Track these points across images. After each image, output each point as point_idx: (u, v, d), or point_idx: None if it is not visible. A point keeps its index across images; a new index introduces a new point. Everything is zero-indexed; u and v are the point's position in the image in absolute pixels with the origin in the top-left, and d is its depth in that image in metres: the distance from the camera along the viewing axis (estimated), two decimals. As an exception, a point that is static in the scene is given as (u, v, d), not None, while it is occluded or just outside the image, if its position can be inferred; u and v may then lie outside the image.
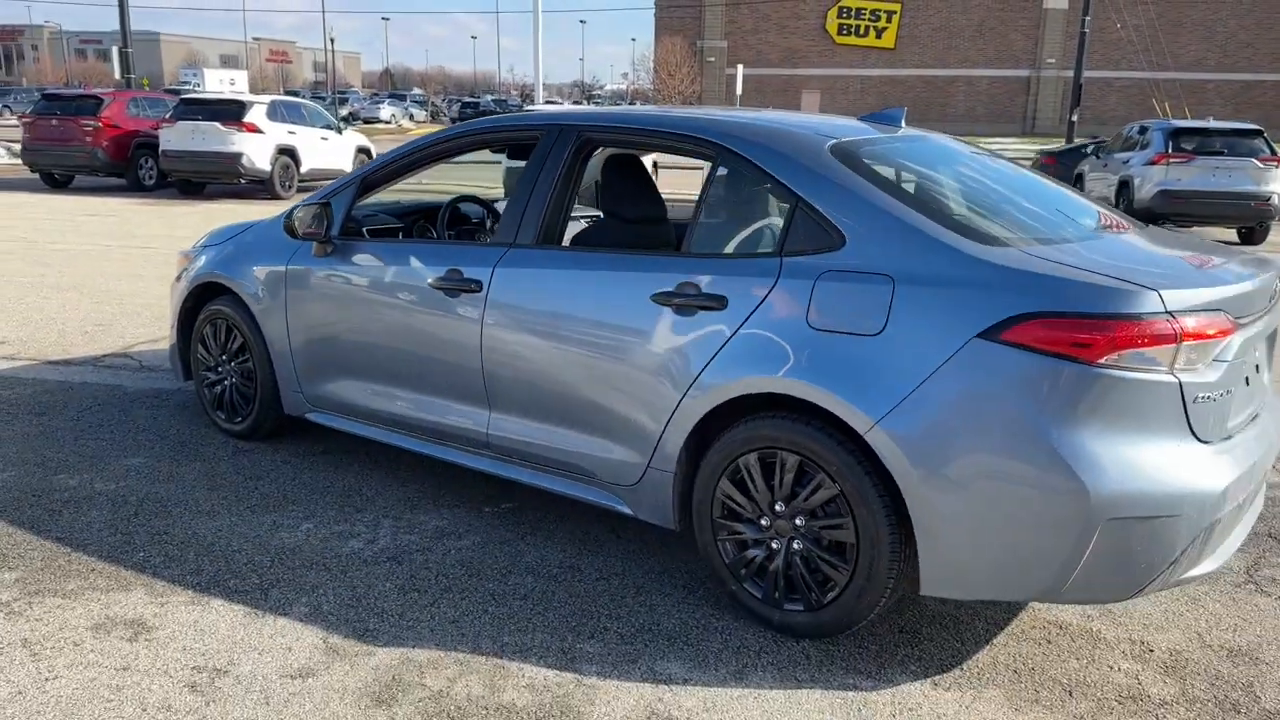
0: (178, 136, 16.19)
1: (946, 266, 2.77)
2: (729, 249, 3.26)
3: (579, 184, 3.68)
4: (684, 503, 3.25)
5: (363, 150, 19.10)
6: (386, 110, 57.88)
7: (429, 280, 3.74)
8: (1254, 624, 3.22)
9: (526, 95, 79.96)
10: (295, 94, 67.83)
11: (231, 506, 3.90)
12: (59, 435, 4.67)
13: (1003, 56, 54.31)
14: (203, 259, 4.74)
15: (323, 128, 18.11)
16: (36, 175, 17.81)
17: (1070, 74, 33.43)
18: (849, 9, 54.55)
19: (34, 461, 4.32)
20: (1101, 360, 2.57)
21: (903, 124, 3.67)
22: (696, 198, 3.37)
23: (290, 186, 16.94)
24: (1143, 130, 15.14)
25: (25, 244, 10.82)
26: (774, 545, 3.01)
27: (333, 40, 63.25)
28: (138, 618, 3.04)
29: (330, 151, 17.95)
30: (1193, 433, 2.68)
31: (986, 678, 2.85)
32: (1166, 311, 2.59)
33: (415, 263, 3.84)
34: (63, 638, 2.92)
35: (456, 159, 4.26)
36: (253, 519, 3.79)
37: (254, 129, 16.24)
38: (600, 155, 4.28)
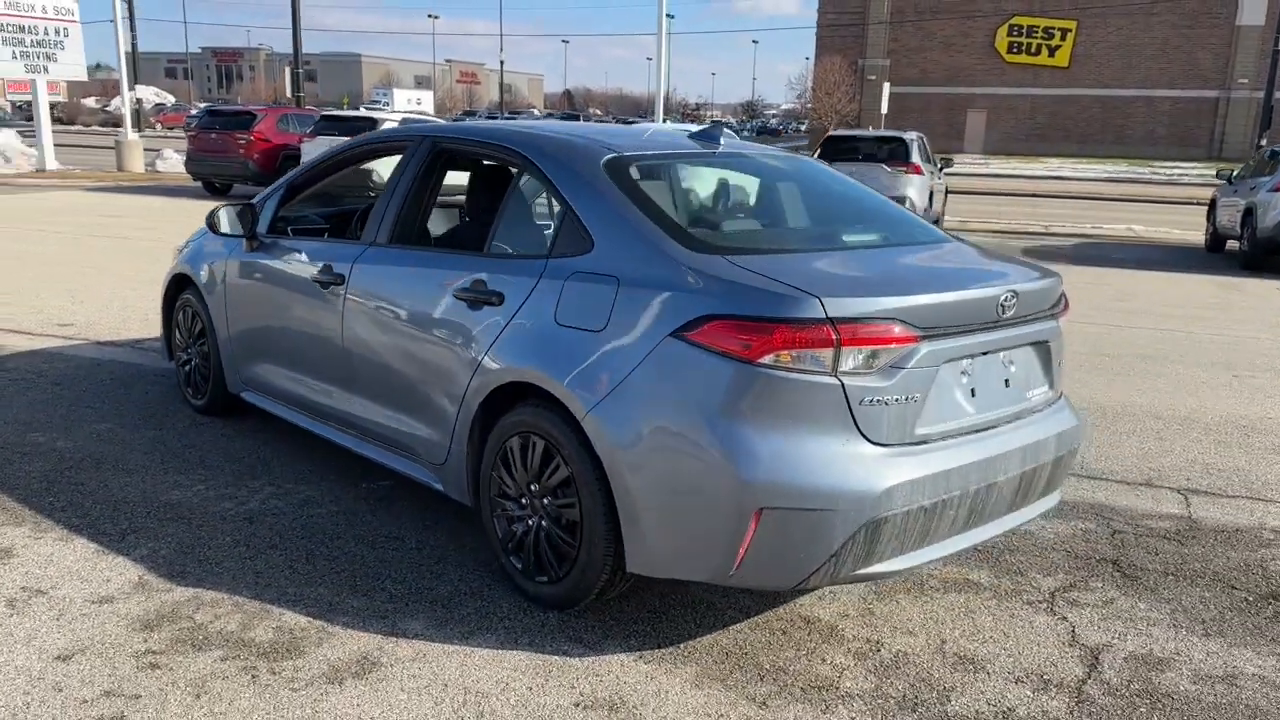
0: (315, 150, 17.58)
1: (660, 271, 2.99)
2: (515, 249, 3.56)
3: (435, 188, 4.06)
4: (475, 481, 3.56)
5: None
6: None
7: (311, 274, 4.21)
8: (1010, 639, 3.23)
9: (689, 114, 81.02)
10: (472, 114, 71.21)
11: (153, 468, 4.47)
12: (58, 402, 5.41)
13: (1188, 76, 51.16)
14: (184, 254, 5.39)
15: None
16: (199, 183, 19.72)
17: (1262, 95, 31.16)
18: (1020, 27, 52.75)
19: (22, 421, 5.06)
20: (761, 360, 2.74)
21: (721, 141, 3.85)
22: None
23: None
24: (1273, 155, 14.19)
25: (158, 243, 12.10)
26: (529, 522, 3.28)
27: (502, 63, 66.08)
28: (8, 546, 3.61)
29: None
30: (861, 434, 2.80)
31: (692, 657, 3.03)
32: (827, 318, 2.73)
33: (305, 258, 4.31)
34: (-57, 557, 3.52)
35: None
36: (162, 479, 4.34)
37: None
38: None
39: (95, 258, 10.93)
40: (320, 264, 4.18)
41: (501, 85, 78.44)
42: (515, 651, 3.02)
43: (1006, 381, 3.22)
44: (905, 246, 3.48)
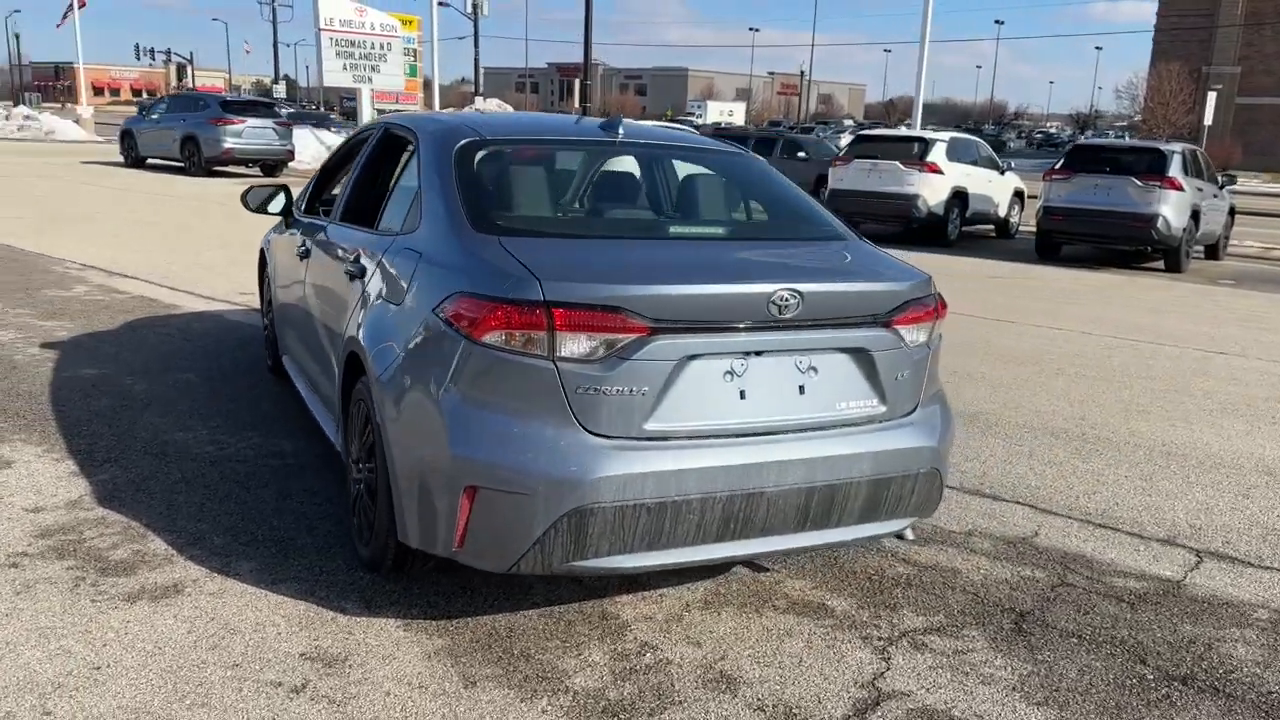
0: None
1: (444, 250, 3.06)
2: (387, 226, 3.73)
3: (381, 168, 4.32)
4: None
5: (1018, 194, 17.36)
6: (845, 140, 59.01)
7: (297, 248, 4.65)
8: (800, 669, 2.97)
9: (1006, 121, 76.27)
10: (777, 124, 71.51)
11: (186, 413, 5.11)
12: (174, 354, 6.28)
13: None
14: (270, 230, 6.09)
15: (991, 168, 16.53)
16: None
17: None
18: None
19: (131, 366, 5.93)
20: (484, 338, 2.74)
21: (620, 130, 3.78)
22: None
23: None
24: None
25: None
26: (359, 486, 3.46)
27: (802, 73, 65.86)
28: (12, 459, 4.31)
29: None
30: (578, 421, 2.71)
31: (453, 633, 3.06)
32: (544, 301, 2.68)
33: (298, 236, 4.76)
34: (-36, 463, 4.28)
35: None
36: (182, 422, 4.95)
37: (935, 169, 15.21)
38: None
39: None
40: (301, 240, 4.60)
41: (805, 95, 78.33)
42: (299, 601, 3.21)
43: (801, 388, 2.96)
44: (746, 241, 3.31)
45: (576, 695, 2.77)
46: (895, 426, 3.12)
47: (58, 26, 41.02)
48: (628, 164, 3.87)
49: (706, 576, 3.51)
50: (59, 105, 71.53)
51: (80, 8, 41.36)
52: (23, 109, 38.87)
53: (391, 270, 3.30)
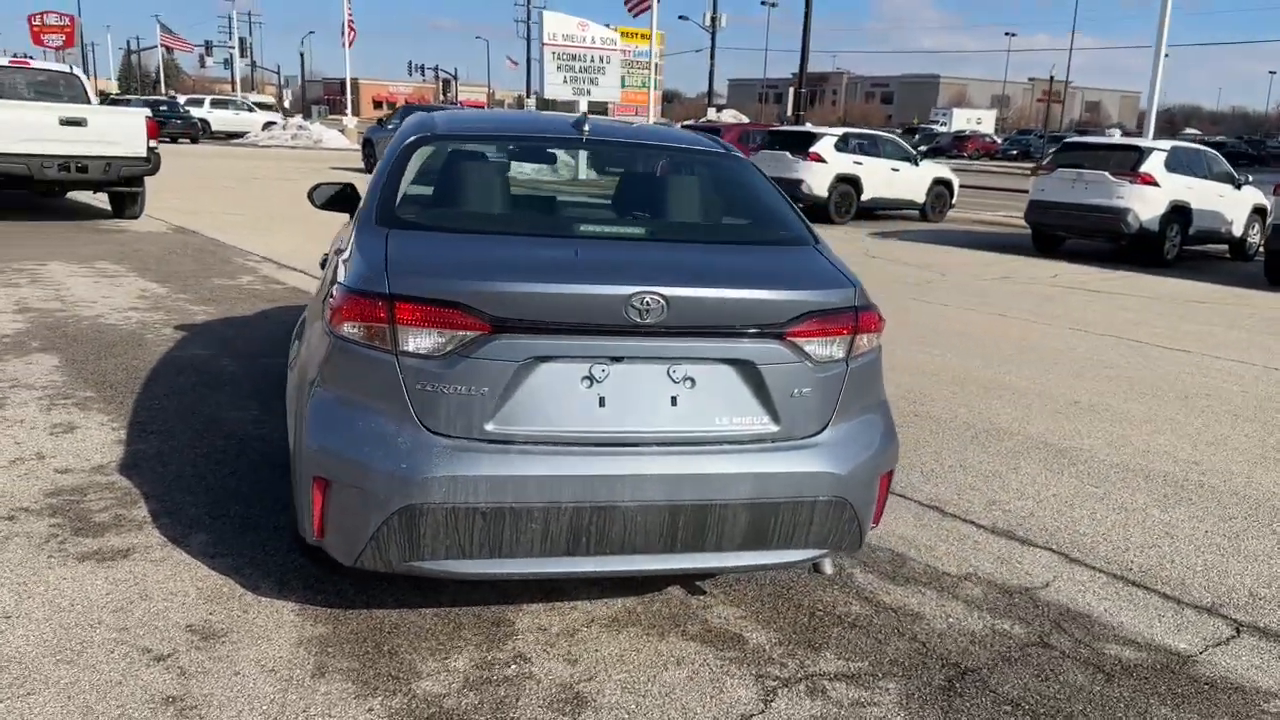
0: (760, 164, 18.45)
1: (357, 239, 3.08)
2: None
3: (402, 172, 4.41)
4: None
5: (940, 182, 19.43)
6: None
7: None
8: (661, 699, 2.76)
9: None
10: (1027, 132, 67.43)
11: (252, 394, 5.46)
12: (280, 338, 6.73)
13: None
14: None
15: (898, 159, 18.88)
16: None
17: None
18: None
19: (230, 349, 6.42)
20: (339, 329, 2.74)
21: (585, 128, 3.65)
22: None
23: (847, 213, 18.08)
24: None
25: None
26: None
27: (1051, 78, 61.53)
28: (78, 425, 4.76)
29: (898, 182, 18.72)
30: (416, 418, 2.65)
31: (340, 621, 3.08)
32: (388, 294, 2.64)
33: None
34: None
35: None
36: (243, 402, 5.30)
37: (818, 158, 17.73)
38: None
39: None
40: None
41: (1066, 101, 73.24)
42: (223, 576, 3.34)
43: (674, 399, 2.75)
44: (657, 242, 3.13)
45: (413, 699, 2.71)
46: (790, 448, 2.85)
47: (344, 46, 45.18)
48: (576, 160, 3.77)
49: (633, 592, 3.35)
50: (341, 117, 78.90)
51: (351, 33, 45.35)
52: (296, 119, 43.15)
53: (329, 265, 3.38)
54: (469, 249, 2.91)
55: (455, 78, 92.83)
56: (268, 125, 42.75)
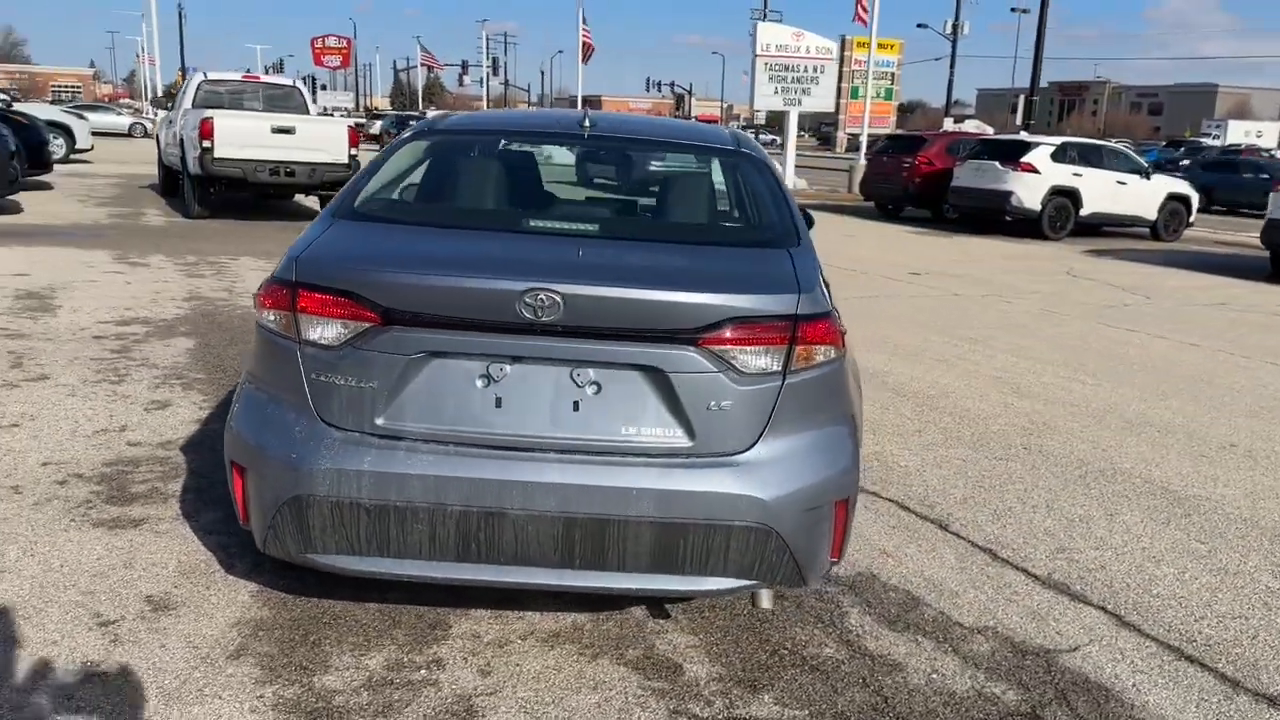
0: (964, 172, 17.56)
1: (308, 229, 3.09)
2: None
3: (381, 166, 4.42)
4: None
5: (1175, 197, 17.69)
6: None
7: None
8: (526, 694, 2.58)
9: None
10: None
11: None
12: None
13: None
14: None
15: (1126, 172, 17.37)
16: (871, 204, 21.07)
17: None
18: None
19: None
20: (262, 315, 2.76)
21: (585, 125, 3.48)
22: None
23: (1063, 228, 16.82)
24: None
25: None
26: None
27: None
28: (171, 402, 5.12)
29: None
30: (313, 407, 2.62)
31: (284, 607, 3.10)
32: (294, 282, 2.64)
33: None
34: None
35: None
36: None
37: (1030, 169, 16.62)
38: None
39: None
40: None
41: None
42: (207, 553, 3.46)
43: (575, 405, 2.56)
44: (603, 240, 2.93)
45: (307, 691, 2.68)
46: (706, 466, 2.59)
47: (580, 63, 46.91)
48: (568, 158, 3.63)
49: (590, 609, 3.17)
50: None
51: (588, 49, 46.98)
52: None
53: None
54: (383, 239, 2.86)
55: (690, 92, 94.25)
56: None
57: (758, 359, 2.59)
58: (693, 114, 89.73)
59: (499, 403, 2.58)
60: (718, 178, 3.42)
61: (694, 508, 2.55)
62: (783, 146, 28.08)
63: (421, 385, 2.58)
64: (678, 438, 2.59)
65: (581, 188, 3.67)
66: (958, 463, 4.90)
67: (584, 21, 40.05)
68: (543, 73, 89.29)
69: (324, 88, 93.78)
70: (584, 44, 46.67)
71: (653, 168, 3.66)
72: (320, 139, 12.83)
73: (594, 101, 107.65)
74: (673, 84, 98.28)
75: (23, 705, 2.55)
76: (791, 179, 27.41)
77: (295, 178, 12.76)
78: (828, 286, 3.06)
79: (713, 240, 3.07)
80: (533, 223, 3.02)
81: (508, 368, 2.56)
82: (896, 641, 3.12)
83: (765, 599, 2.88)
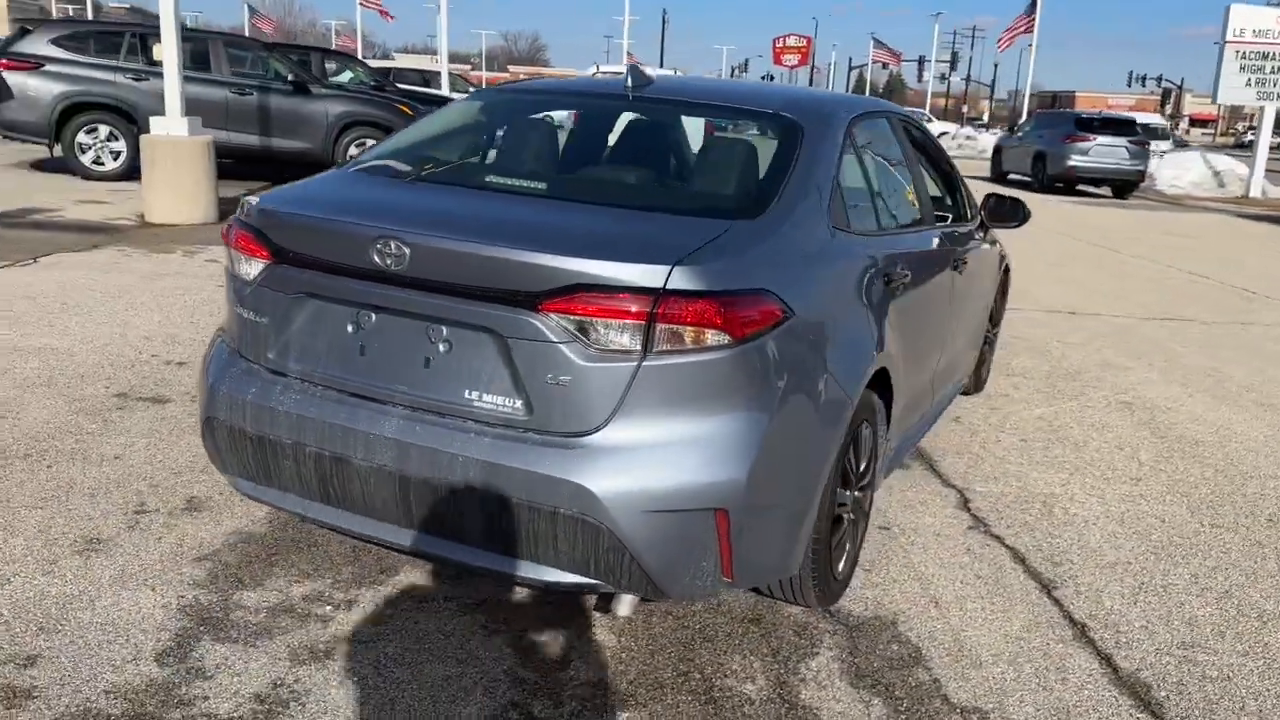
0: None
1: None
2: None
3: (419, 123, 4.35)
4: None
5: None
6: None
7: None
8: (387, 653, 2.51)
9: None
10: None
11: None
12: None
13: None
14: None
15: None
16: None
17: None
18: None
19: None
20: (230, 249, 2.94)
21: (629, 85, 3.22)
22: None
23: None
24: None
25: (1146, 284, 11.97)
26: None
27: None
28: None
29: None
30: (236, 341, 2.80)
31: (267, 521, 3.33)
32: (239, 221, 2.78)
33: None
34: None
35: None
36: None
37: None
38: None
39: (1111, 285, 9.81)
40: None
41: None
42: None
43: (427, 361, 2.42)
44: (540, 199, 2.72)
45: (220, 599, 2.85)
46: (542, 444, 2.32)
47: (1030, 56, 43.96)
48: (612, 120, 3.42)
49: (520, 590, 3.02)
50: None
51: (1013, 35, 43.56)
52: (967, 129, 43.13)
53: None
54: (325, 185, 2.92)
55: (1180, 88, 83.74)
56: (940, 135, 43.57)
57: (610, 334, 2.28)
58: (1185, 112, 79.52)
59: (362, 350, 2.54)
60: (763, 145, 3.05)
61: (516, 486, 2.32)
62: (1253, 148, 23.99)
63: (302, 325, 2.62)
64: (516, 410, 2.37)
65: (592, 146, 3.45)
66: (1154, 520, 3.93)
67: (1033, 11, 37.08)
68: (995, 65, 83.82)
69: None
70: (1015, 34, 43.37)
71: (682, 132, 3.36)
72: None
73: (1066, 98, 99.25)
74: (1159, 78, 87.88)
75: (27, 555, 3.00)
76: (1260, 185, 23.36)
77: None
78: (809, 271, 2.62)
79: (660, 206, 2.73)
80: (492, 179, 2.92)
81: (373, 316, 2.51)
82: (844, 699, 2.60)
83: (624, 606, 2.54)
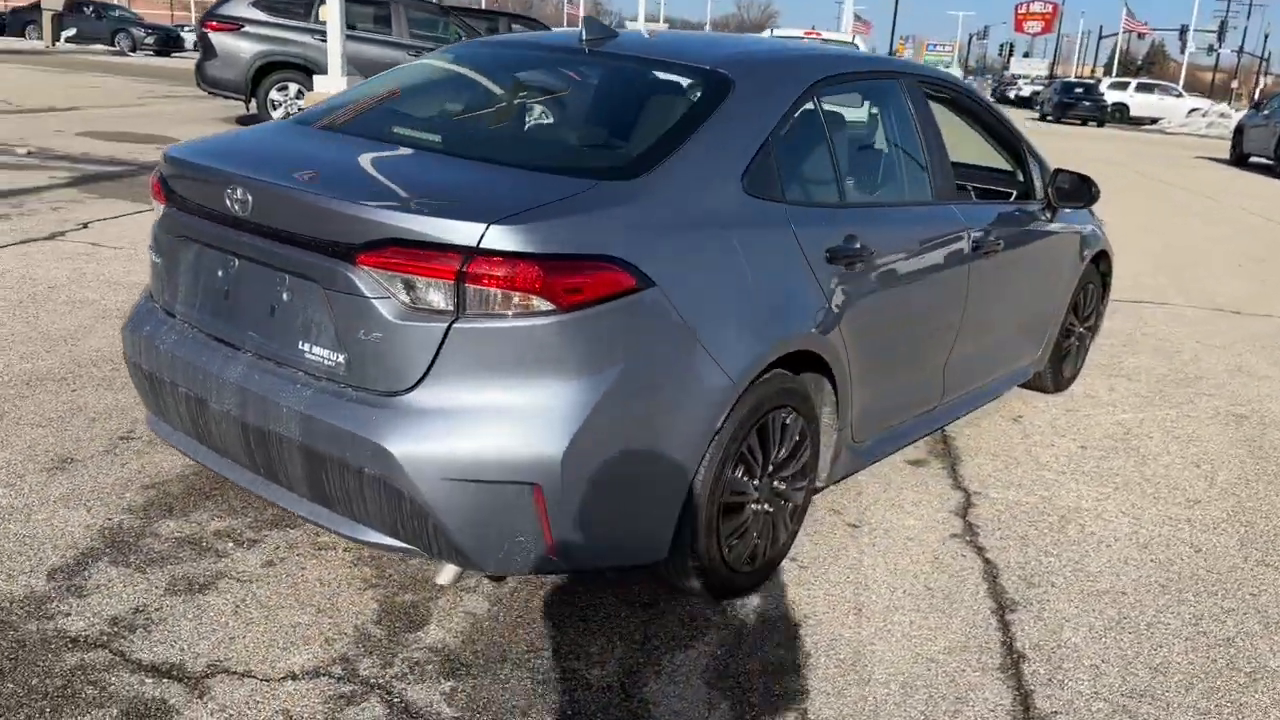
0: None
1: None
2: None
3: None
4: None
5: None
6: None
7: None
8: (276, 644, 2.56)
9: None
10: None
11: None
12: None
13: None
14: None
15: None
16: None
17: None
18: None
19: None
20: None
21: (584, 40, 3.06)
22: None
23: None
24: None
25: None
26: None
27: None
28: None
29: None
30: (151, 283, 2.87)
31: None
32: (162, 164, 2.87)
33: None
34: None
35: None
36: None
37: None
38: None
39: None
40: None
41: None
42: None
43: (272, 309, 2.42)
44: (438, 154, 2.66)
45: (140, 524, 2.99)
46: (355, 401, 2.28)
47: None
48: (554, 77, 3.24)
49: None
50: None
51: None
52: (1221, 107, 39.01)
53: None
54: (238, 135, 2.95)
55: None
56: (1191, 111, 39.72)
57: (422, 292, 2.19)
58: None
59: (226, 295, 2.57)
60: (679, 102, 2.83)
61: (330, 442, 2.29)
62: None
63: (185, 269, 2.68)
64: (339, 364, 2.33)
65: (508, 101, 3.28)
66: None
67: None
68: (1265, 36, 74.31)
69: (1025, 55, 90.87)
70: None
71: (607, 89, 3.16)
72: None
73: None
74: None
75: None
76: None
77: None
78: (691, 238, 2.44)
79: (541, 164, 2.56)
80: (394, 129, 2.88)
81: (235, 262, 2.53)
82: (690, 698, 2.43)
83: (444, 574, 2.46)
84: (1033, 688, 2.60)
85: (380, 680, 2.40)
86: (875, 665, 2.63)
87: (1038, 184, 4.28)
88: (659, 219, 2.43)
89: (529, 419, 2.22)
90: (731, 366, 2.50)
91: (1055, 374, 4.88)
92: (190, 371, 2.61)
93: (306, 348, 2.39)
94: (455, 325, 2.19)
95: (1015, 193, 4.42)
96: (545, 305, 2.19)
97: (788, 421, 2.83)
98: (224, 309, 2.59)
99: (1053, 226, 4.30)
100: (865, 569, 3.13)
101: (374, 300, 2.23)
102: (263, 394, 2.42)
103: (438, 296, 2.19)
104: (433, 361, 2.21)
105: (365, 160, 2.63)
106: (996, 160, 4.57)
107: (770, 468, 2.82)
